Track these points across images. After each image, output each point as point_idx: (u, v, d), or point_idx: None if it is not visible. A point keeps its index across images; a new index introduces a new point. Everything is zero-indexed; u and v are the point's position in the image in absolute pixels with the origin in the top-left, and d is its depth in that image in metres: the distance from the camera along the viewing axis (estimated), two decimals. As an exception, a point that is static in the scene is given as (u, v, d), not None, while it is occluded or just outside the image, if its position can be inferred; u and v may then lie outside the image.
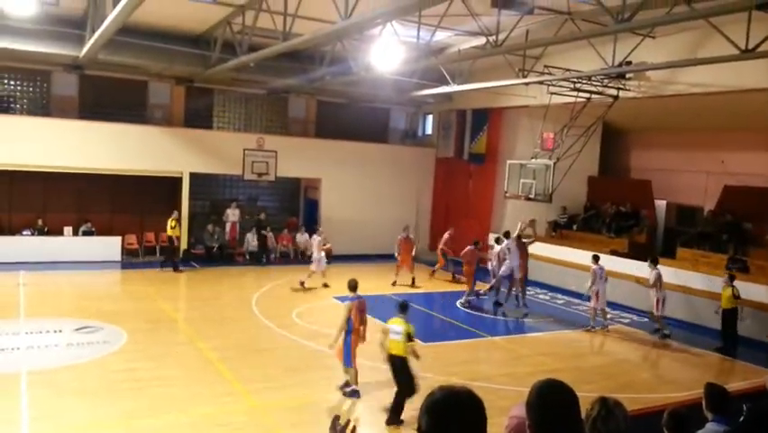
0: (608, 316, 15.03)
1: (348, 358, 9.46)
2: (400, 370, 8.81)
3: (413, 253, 18.46)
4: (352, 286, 9.82)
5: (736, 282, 13.52)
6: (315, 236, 18.28)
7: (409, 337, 8.74)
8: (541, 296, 17.74)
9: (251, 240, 21.20)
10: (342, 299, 16.00)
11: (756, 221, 16.73)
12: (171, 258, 19.07)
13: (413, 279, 18.36)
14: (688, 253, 17.11)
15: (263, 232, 21.18)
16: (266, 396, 9.46)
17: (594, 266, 14.67)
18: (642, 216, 19.96)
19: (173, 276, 18.48)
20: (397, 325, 8.78)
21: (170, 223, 19.03)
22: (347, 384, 9.64)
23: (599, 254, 15.28)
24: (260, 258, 20.95)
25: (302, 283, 17.33)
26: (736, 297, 13.43)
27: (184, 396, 9.22)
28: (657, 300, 14.23)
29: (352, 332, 9.44)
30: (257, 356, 11.32)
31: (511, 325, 15.33)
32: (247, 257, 21.11)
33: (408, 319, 8.93)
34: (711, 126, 19.27)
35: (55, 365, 10.23)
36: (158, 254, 20.56)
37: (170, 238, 19.07)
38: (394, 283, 18.01)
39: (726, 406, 5.07)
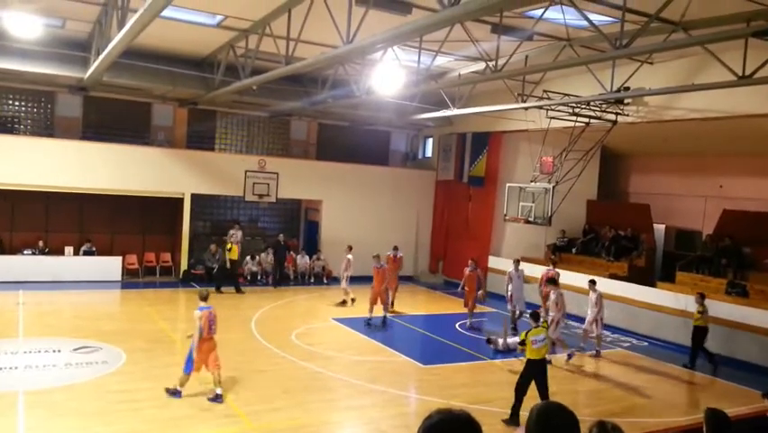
0: (589, 340, 14.78)
1: (189, 364, 9.75)
2: (544, 372, 10.01)
3: (384, 281, 16.40)
4: (203, 296, 10.12)
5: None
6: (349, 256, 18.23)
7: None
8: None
9: (250, 261, 21.23)
10: (340, 320, 16.11)
11: (755, 245, 16.77)
12: (230, 280, 19.26)
13: (383, 316, 16.33)
14: (687, 277, 17.14)
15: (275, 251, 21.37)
16: (264, 418, 9.43)
17: (594, 292, 14.46)
18: (641, 240, 20.01)
19: (173, 296, 18.49)
20: (539, 334, 10.03)
21: (227, 246, 19.31)
22: (217, 396, 9.78)
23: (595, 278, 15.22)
24: (286, 278, 21.33)
25: (344, 302, 18.11)
26: (700, 313, 13.77)
27: (182, 417, 9.19)
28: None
29: (201, 340, 9.75)
30: (255, 378, 11.28)
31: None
32: (248, 278, 21.10)
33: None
34: (709, 151, 19.42)
35: (53, 385, 10.20)
36: (158, 275, 20.66)
37: (227, 261, 19.28)
38: (384, 319, 16.35)
39: (727, 431, 5.05)
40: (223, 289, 18.92)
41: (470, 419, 2.31)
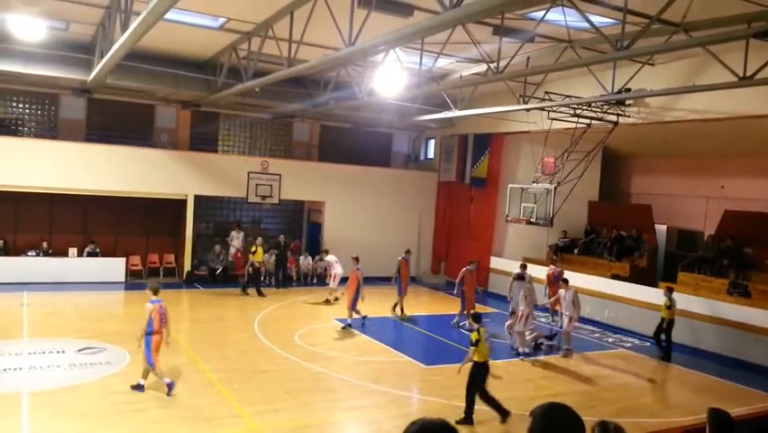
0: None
1: (149, 357, 10.04)
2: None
3: (355, 286, 15.79)
4: (154, 290, 10.36)
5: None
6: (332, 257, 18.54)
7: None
8: (542, 319, 17.73)
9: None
10: (342, 321, 16.15)
11: (757, 246, 16.80)
12: (255, 282, 19.32)
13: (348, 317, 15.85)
14: (689, 277, 17.17)
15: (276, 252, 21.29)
16: (267, 418, 9.47)
17: (568, 291, 14.46)
18: (642, 241, 20.04)
19: (176, 297, 18.56)
20: (487, 332, 9.92)
21: (251, 248, 19.43)
22: (139, 386, 10.17)
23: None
24: (286, 281, 21.20)
25: (328, 301, 18.38)
26: (668, 307, 14.44)
27: (185, 417, 9.24)
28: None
29: (153, 333, 10.02)
30: (258, 378, 11.34)
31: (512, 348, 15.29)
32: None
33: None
34: (711, 152, 19.44)
35: (57, 386, 10.26)
36: (161, 276, 20.75)
37: (252, 263, 19.33)
38: (349, 325, 15.66)
39: (729, 432, 5.06)
40: (263, 290, 19.31)
41: (449, 426, 2.36)
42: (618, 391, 12.13)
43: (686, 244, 20.45)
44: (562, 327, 14.96)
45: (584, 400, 11.20)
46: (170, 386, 10.03)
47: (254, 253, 19.23)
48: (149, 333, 10.00)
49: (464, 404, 9.60)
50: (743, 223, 17.54)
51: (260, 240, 19.73)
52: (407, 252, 18.53)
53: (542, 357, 14.05)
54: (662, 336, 14.65)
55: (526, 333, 14.05)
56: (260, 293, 19.12)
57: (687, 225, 20.75)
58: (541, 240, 21.98)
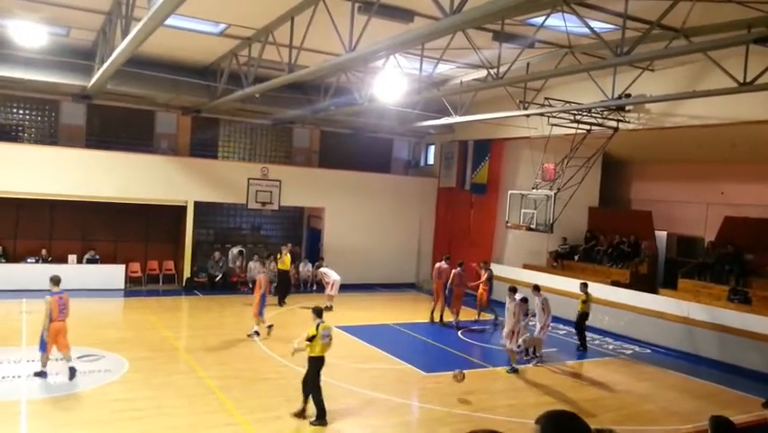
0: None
1: (42, 344, 10.66)
2: (321, 369, 9.74)
3: (260, 292, 14.83)
4: (55, 281, 10.97)
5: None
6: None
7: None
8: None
9: (254, 268, 21.22)
10: (343, 328, 16.09)
11: (757, 252, 16.78)
12: (283, 290, 19.13)
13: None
14: (689, 283, 17.14)
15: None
16: (267, 426, 9.42)
17: (539, 297, 14.31)
18: (643, 247, 20.02)
19: (176, 304, 18.52)
20: (327, 329, 9.76)
21: (278, 255, 19.33)
22: (42, 373, 10.73)
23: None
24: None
25: (327, 307, 18.07)
26: (584, 302, 15.48)
27: (184, 425, 9.19)
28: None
29: (51, 323, 10.60)
30: (258, 386, 11.29)
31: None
32: (250, 285, 21.09)
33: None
34: (711, 158, 19.44)
35: (56, 394, 10.21)
36: (160, 283, 20.73)
37: (278, 271, 19.25)
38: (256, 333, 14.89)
39: (732, 439, 5.01)
40: (285, 300, 18.96)
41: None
42: (619, 399, 12.09)
43: (686, 251, 20.43)
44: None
45: (585, 407, 11.14)
46: (43, 374, 10.64)
47: (281, 260, 18.87)
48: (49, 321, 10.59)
49: (314, 404, 9.58)
50: (743, 229, 17.53)
51: (288, 246, 19.27)
52: (445, 258, 18.43)
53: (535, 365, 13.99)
54: (583, 328, 15.64)
55: (520, 343, 13.87)
56: (280, 302, 18.78)
57: (687, 232, 20.74)
58: (541, 246, 21.96)
